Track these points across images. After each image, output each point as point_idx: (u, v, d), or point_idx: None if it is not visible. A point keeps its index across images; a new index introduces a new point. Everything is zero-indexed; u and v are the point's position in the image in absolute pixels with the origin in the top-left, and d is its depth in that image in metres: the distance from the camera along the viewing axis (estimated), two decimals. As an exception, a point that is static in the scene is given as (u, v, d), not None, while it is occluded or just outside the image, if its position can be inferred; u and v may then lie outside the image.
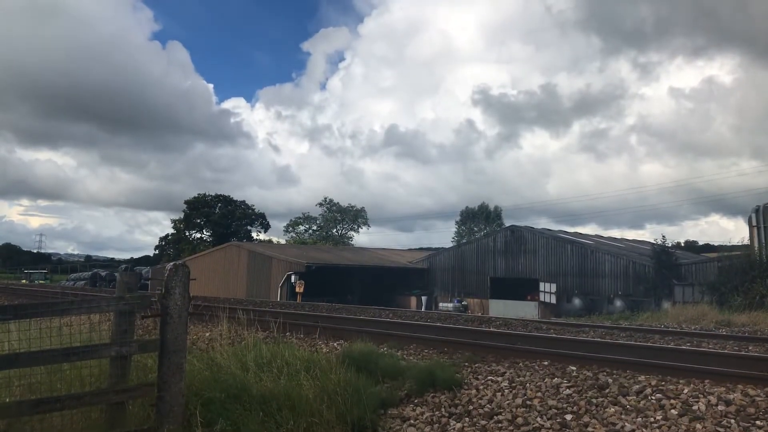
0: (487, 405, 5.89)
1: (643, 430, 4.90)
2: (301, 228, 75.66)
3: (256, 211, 71.05)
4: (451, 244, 62.11)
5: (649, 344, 7.77)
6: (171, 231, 70.09)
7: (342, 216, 75.85)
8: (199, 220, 67.44)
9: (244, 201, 70.72)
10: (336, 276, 39.15)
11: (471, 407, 5.89)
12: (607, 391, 5.83)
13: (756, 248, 22.80)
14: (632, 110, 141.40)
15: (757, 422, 4.83)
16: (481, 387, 6.37)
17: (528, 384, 6.26)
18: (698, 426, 4.83)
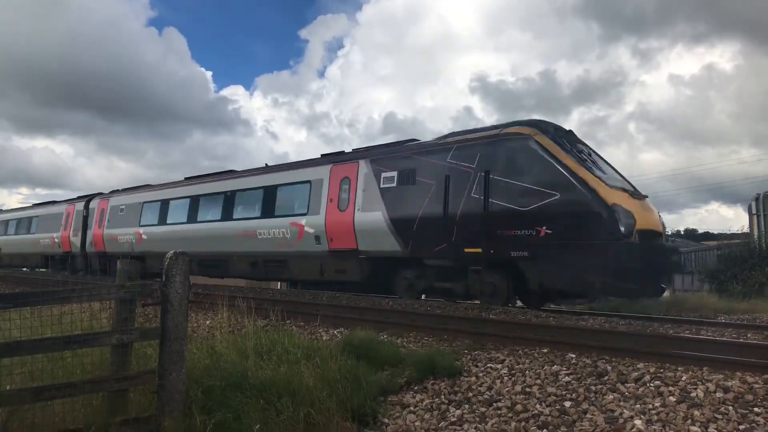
0: (487, 392, 5.92)
1: (642, 416, 4.93)
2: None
3: (255, 199, 70.91)
4: (451, 233, 61.60)
5: (648, 332, 7.79)
6: (171, 219, 70.14)
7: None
8: (198, 209, 67.35)
9: (243, 189, 70.58)
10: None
11: (470, 394, 5.92)
12: (605, 378, 5.85)
13: (755, 236, 22.79)
14: (632, 97, 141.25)
15: (755, 409, 4.85)
16: (481, 374, 6.40)
17: (527, 371, 6.29)
18: (696, 413, 4.85)
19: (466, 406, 5.70)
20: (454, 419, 5.47)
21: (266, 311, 9.51)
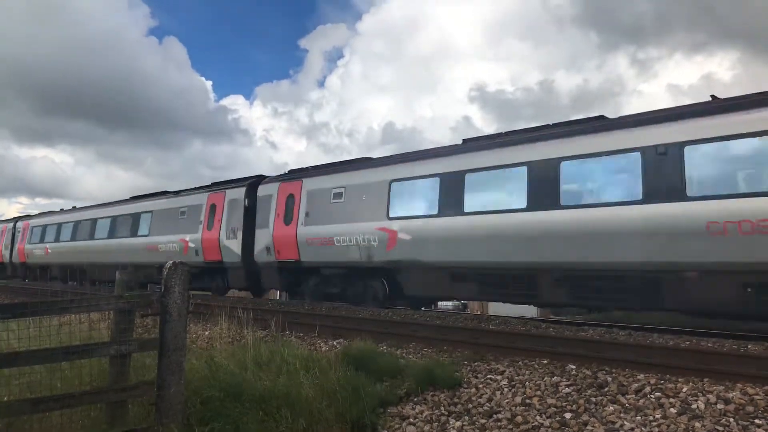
0: (487, 404, 5.89)
1: (642, 428, 4.91)
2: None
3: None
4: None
5: (648, 343, 7.77)
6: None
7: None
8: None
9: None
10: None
11: (470, 406, 5.90)
12: (606, 389, 5.83)
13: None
14: (630, 107, 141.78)
15: (756, 421, 4.83)
16: (481, 386, 6.38)
17: (527, 383, 6.26)
18: (697, 424, 4.83)
19: (466, 417, 5.67)
20: (454, 431, 5.44)
21: (266, 322, 9.49)
